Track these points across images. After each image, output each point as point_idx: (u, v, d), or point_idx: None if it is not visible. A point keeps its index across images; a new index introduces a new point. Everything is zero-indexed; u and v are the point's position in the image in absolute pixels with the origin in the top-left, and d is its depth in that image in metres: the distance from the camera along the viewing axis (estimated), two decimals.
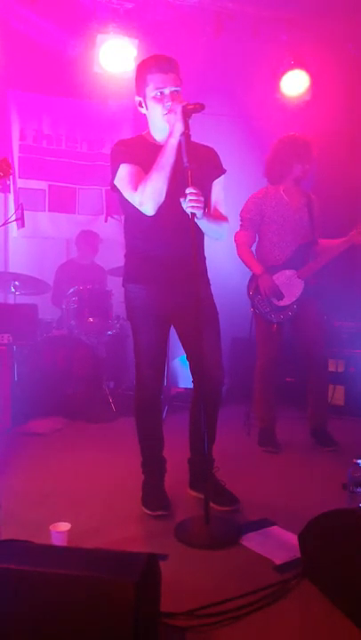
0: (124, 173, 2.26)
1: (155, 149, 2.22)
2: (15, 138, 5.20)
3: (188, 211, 2.13)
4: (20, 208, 4.10)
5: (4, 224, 4.25)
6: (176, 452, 2.63)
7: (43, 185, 5.30)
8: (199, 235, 2.34)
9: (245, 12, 4.21)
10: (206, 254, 2.51)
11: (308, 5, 4.17)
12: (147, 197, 2.18)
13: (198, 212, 2.13)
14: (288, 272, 3.31)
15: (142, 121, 2.40)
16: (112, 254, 5.40)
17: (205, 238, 2.45)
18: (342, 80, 4.62)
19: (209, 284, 2.50)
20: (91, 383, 4.38)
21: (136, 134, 2.47)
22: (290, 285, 3.30)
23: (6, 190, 5.15)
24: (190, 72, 4.63)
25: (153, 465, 2.50)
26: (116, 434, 3.76)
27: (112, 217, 4.81)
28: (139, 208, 2.23)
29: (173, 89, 2.20)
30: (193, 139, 2.18)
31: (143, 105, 2.29)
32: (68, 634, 1.32)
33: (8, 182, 5.00)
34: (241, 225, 3.43)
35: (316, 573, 1.79)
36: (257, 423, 3.51)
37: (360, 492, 2.17)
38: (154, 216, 2.24)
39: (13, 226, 4.86)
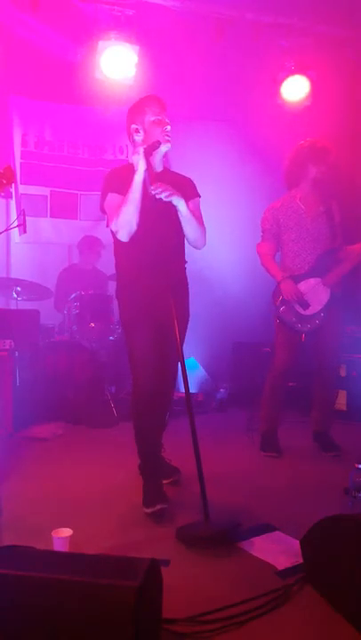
0: (107, 202, 2.55)
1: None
2: (17, 144, 5.22)
3: (167, 199, 2.38)
4: (21, 214, 4.10)
5: (5, 230, 4.23)
6: (178, 459, 2.64)
7: (44, 191, 5.32)
8: (179, 247, 2.62)
9: (246, 18, 4.22)
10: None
11: (307, 11, 4.18)
12: (120, 227, 2.45)
13: (174, 198, 2.40)
14: (313, 280, 3.26)
15: None
16: (113, 260, 5.42)
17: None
18: (343, 85, 4.63)
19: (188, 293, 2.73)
20: (92, 388, 4.38)
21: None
22: (316, 293, 3.25)
23: (8, 196, 5.16)
24: (191, 78, 4.68)
25: (151, 467, 2.52)
26: (117, 438, 3.76)
27: None
28: (116, 235, 2.49)
29: (165, 121, 2.52)
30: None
31: (141, 131, 2.55)
32: (69, 639, 1.32)
33: (10, 189, 5.01)
34: (261, 236, 3.44)
35: (319, 579, 1.78)
36: (259, 427, 3.50)
37: None
38: (138, 236, 2.46)
39: (15, 232, 4.88)
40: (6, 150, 5.19)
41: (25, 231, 4.09)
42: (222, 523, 2.18)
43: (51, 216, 5.35)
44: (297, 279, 3.28)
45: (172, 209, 2.48)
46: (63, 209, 5.39)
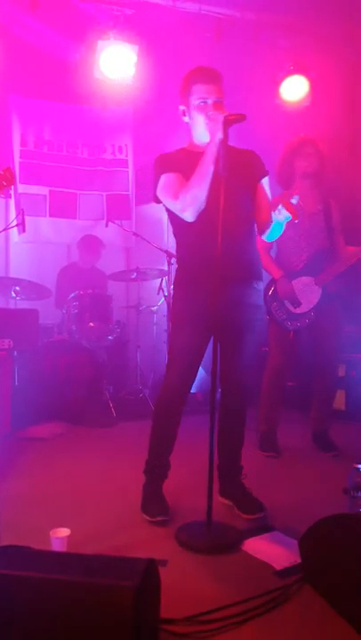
0: (163, 183, 2.31)
1: (196, 157, 2.22)
2: (16, 143, 5.22)
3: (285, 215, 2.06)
4: (20, 213, 4.10)
5: (5, 229, 4.25)
6: (179, 459, 2.63)
7: (44, 190, 5.32)
8: (249, 238, 2.38)
9: (245, 17, 4.22)
10: None
11: (307, 11, 4.17)
12: (187, 204, 2.21)
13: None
14: (305, 279, 3.28)
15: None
16: (112, 259, 5.42)
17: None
18: (342, 85, 4.62)
19: (257, 290, 2.44)
20: (91, 388, 4.38)
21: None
22: (307, 292, 3.26)
23: (7, 196, 5.16)
24: None
25: (158, 469, 2.47)
26: (116, 439, 3.76)
27: (112, 222, 4.82)
28: (179, 215, 2.26)
29: (216, 99, 2.24)
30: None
31: (187, 114, 2.33)
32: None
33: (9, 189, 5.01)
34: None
35: (317, 579, 1.78)
36: (258, 427, 3.50)
37: None
38: (199, 224, 2.24)
39: (14, 231, 4.87)
40: (5, 149, 5.19)
41: (24, 230, 4.10)
42: (223, 529, 2.19)
43: (50, 215, 5.35)
44: (290, 276, 3.30)
45: (245, 190, 2.25)
46: (62, 208, 5.39)
